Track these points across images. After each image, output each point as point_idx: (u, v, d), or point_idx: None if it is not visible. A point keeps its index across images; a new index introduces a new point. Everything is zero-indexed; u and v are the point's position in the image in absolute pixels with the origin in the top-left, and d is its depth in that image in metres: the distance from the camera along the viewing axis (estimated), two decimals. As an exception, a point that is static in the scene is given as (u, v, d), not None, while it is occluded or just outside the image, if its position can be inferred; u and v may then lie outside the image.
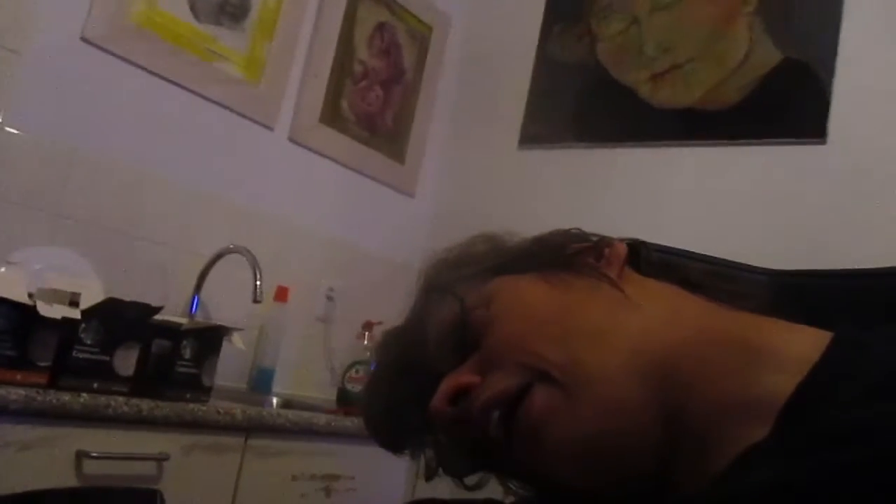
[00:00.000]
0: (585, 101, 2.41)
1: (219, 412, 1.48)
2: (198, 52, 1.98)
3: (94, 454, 1.29)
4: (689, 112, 2.21)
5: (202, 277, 1.96)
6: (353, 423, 1.76)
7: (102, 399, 1.30)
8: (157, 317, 1.45)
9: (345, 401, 2.02)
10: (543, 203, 2.33)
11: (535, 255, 0.60)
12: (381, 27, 2.45)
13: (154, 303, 1.46)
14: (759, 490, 0.41)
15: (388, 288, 2.14)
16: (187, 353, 1.47)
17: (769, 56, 2.11)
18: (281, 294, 2.11)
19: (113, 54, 1.82)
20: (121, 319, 1.36)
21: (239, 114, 2.08)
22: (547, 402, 0.50)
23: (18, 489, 1.02)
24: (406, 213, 2.56)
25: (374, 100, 2.44)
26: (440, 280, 0.61)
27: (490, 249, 0.62)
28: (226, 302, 1.99)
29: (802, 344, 0.48)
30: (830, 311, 0.53)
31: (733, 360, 0.49)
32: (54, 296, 1.29)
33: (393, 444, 0.64)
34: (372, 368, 0.66)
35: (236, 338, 1.58)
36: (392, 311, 0.65)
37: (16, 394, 1.20)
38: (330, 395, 2.17)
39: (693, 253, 0.67)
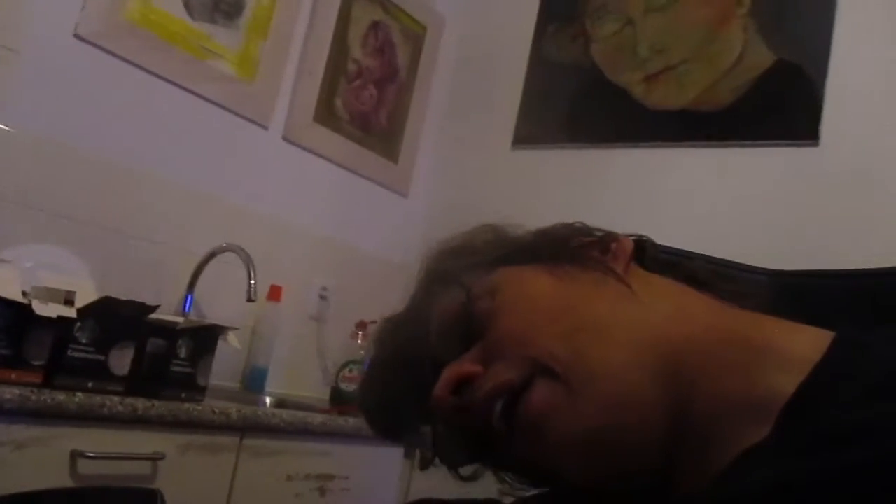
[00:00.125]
0: (579, 101, 2.41)
1: (214, 412, 1.47)
2: (192, 50, 1.97)
3: (89, 454, 1.28)
4: (683, 113, 2.21)
5: (195, 276, 1.95)
6: (347, 422, 1.76)
7: (97, 398, 1.29)
8: (152, 316, 1.44)
9: (338, 400, 2.02)
10: (537, 203, 2.33)
11: (539, 247, 0.60)
12: (375, 26, 2.45)
13: (147, 301, 1.45)
14: (759, 490, 0.41)
15: (381, 287, 2.14)
16: (182, 353, 1.46)
17: (762, 58, 2.12)
18: (274, 293, 2.11)
19: (106, 51, 1.81)
20: (116, 318, 1.36)
21: (233, 112, 2.07)
22: (548, 398, 0.50)
23: (13, 489, 1.01)
24: (399, 212, 2.56)
25: (367, 99, 2.44)
26: (444, 269, 0.61)
27: (493, 240, 0.62)
28: (219, 301, 1.99)
29: (804, 344, 0.48)
30: (830, 311, 0.53)
31: (737, 358, 0.49)
32: (49, 294, 1.28)
33: (389, 433, 0.64)
34: (370, 357, 0.64)
35: (232, 337, 1.57)
36: (385, 310, 0.64)
37: (10, 393, 1.19)
38: (323, 394, 2.17)
39: (692, 253, 0.67)
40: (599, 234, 0.61)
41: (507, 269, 0.58)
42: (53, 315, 1.26)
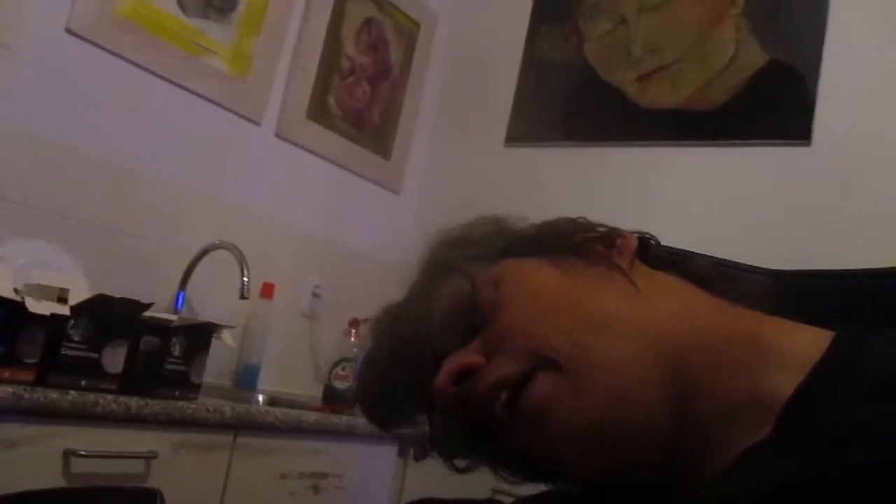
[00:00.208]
0: (572, 100, 2.41)
1: (208, 410, 1.46)
2: (184, 46, 1.96)
3: (83, 453, 1.27)
4: (676, 113, 2.22)
5: (188, 273, 1.93)
6: (341, 420, 1.75)
7: (91, 397, 1.28)
8: (145, 314, 1.43)
9: (331, 398, 2.01)
10: (529, 201, 2.32)
11: (543, 240, 0.60)
12: (368, 23, 2.44)
13: (139, 299, 1.43)
14: (759, 491, 0.41)
15: (374, 285, 2.15)
16: (176, 351, 1.45)
17: (755, 58, 2.13)
18: (267, 290, 2.10)
19: (98, 47, 1.79)
20: (110, 316, 1.34)
21: (225, 108, 2.06)
22: (550, 389, 0.50)
23: (5, 489, 1.00)
24: (392, 209, 2.55)
25: (360, 96, 2.43)
26: (446, 258, 0.60)
27: (495, 232, 0.62)
28: (211, 298, 1.98)
29: (805, 344, 0.48)
30: (830, 312, 0.53)
31: (740, 357, 0.49)
32: (42, 292, 1.27)
33: (385, 422, 0.63)
34: (368, 346, 0.63)
35: (226, 335, 1.57)
36: (378, 307, 0.64)
37: (3, 391, 1.17)
38: (315, 391, 2.16)
39: (694, 252, 0.67)
40: (603, 229, 0.60)
41: (510, 260, 0.58)
42: (47, 313, 1.25)
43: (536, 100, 2.47)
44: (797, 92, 2.05)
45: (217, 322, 1.59)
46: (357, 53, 2.41)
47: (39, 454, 1.24)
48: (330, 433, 1.73)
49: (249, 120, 2.13)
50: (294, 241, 2.25)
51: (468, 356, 0.53)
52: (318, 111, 2.30)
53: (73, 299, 1.30)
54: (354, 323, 2.14)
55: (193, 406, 1.44)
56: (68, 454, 1.26)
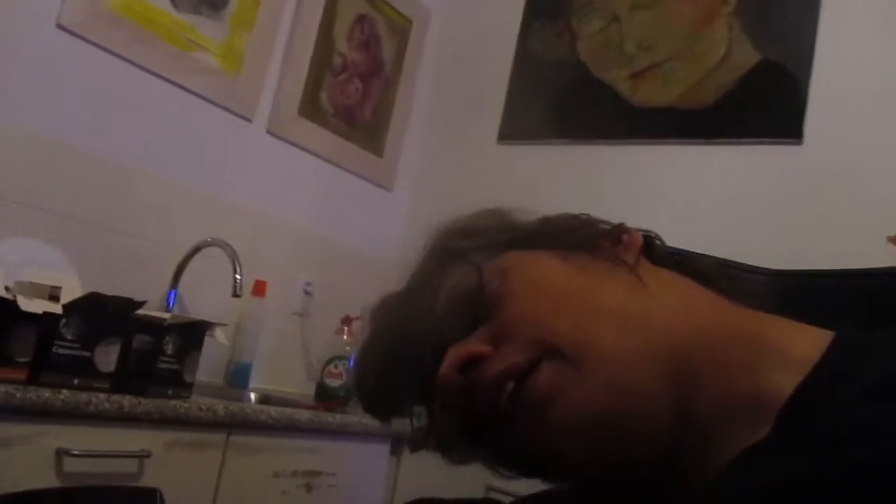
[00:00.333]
0: (565, 97, 2.41)
1: (201, 409, 1.45)
2: (176, 42, 1.94)
3: (75, 452, 1.26)
4: (668, 111, 2.23)
5: (179, 271, 1.92)
6: (334, 419, 1.75)
7: (83, 396, 1.27)
8: (138, 312, 1.42)
9: (324, 396, 2.01)
10: (522, 199, 2.33)
11: (549, 233, 0.60)
12: (361, 20, 2.43)
13: (130, 297, 1.42)
14: (759, 491, 0.41)
15: (366, 282, 2.13)
16: (169, 349, 1.44)
17: (747, 56, 2.14)
18: (258, 288, 2.09)
19: (89, 42, 1.77)
20: (102, 314, 1.33)
21: (217, 105, 2.05)
22: (554, 379, 0.50)
23: (-2, 488, 1.00)
24: (384, 207, 2.55)
25: (353, 93, 2.42)
26: (452, 248, 0.60)
27: (500, 224, 0.62)
28: (203, 296, 1.96)
29: (806, 343, 0.48)
30: (830, 311, 0.54)
31: (742, 356, 0.49)
32: (34, 290, 1.26)
33: (381, 411, 0.63)
34: (367, 332, 0.62)
35: (219, 333, 1.56)
36: (375, 298, 0.63)
37: (-6, 390, 1.17)
38: (307, 389, 2.16)
39: (695, 252, 0.68)
40: (606, 225, 0.61)
41: (516, 252, 0.58)
42: (39, 311, 1.24)
43: (529, 97, 2.47)
44: (789, 91, 2.06)
45: (210, 320, 1.58)
46: (349, 50, 2.40)
47: (32, 454, 1.23)
48: (323, 431, 1.72)
49: (241, 117, 2.11)
50: (286, 239, 2.24)
51: (474, 345, 0.53)
52: (311, 108, 2.29)
53: (65, 297, 1.29)
54: (347, 321, 2.13)
55: (186, 405, 1.44)
56: (61, 453, 1.25)
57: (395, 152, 2.57)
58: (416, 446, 0.59)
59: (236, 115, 2.10)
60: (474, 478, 0.59)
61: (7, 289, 1.25)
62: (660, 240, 0.62)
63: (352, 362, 2.03)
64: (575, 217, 0.62)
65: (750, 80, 2.12)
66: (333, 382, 2.02)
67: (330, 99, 2.35)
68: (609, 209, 0.63)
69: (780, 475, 0.41)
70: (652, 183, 2.21)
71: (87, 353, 1.31)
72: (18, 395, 1.19)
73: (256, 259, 2.05)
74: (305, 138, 2.28)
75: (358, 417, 1.82)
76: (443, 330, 0.55)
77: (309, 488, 1.69)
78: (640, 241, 0.59)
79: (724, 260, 0.69)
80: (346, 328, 2.13)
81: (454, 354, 0.53)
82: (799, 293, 0.67)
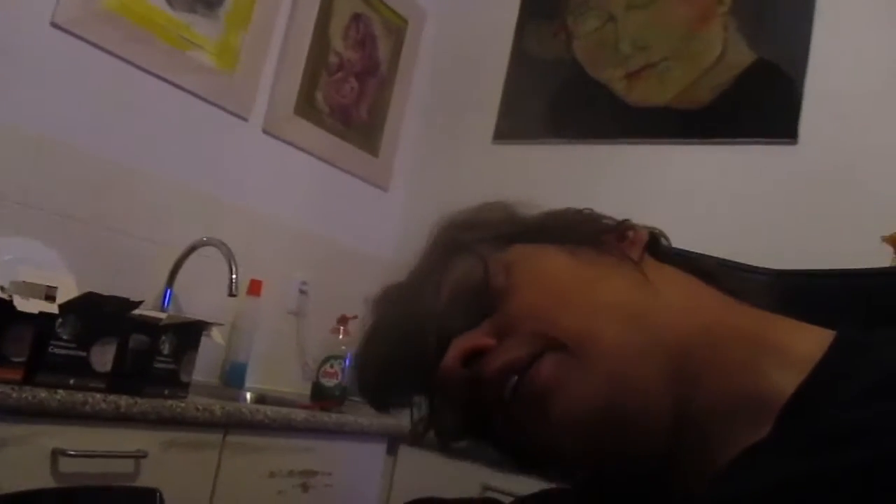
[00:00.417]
0: (560, 97, 2.42)
1: (197, 409, 1.45)
2: (171, 40, 1.94)
3: (71, 452, 1.26)
4: (664, 110, 2.23)
5: (175, 270, 1.92)
6: (330, 418, 1.75)
7: (79, 396, 1.27)
8: (134, 311, 1.41)
9: (319, 395, 2.00)
10: (518, 198, 2.33)
11: (555, 228, 0.60)
12: (356, 19, 2.43)
13: (125, 296, 1.42)
14: (759, 491, 0.41)
15: (361, 282, 2.13)
16: (166, 349, 1.44)
17: (743, 56, 2.14)
18: (254, 287, 2.08)
19: (84, 40, 1.77)
20: (98, 314, 1.33)
21: (213, 104, 2.04)
22: (556, 371, 0.50)
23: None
24: (379, 206, 2.54)
25: (348, 92, 2.42)
26: (457, 240, 0.60)
27: (505, 217, 0.62)
28: (198, 295, 1.96)
29: (808, 343, 0.48)
30: (829, 311, 0.54)
31: (743, 354, 0.49)
32: (29, 289, 1.25)
33: (382, 401, 0.62)
34: (369, 322, 0.62)
35: (215, 332, 1.55)
36: (365, 305, 0.62)
37: (-10, 391, 1.16)
38: (303, 389, 2.15)
39: (697, 253, 0.68)
40: (610, 221, 0.61)
41: (521, 246, 0.58)
42: (34, 311, 1.23)
43: (525, 97, 2.47)
44: (784, 91, 2.06)
45: (205, 319, 1.57)
46: (345, 49, 2.40)
47: (27, 454, 1.22)
48: (319, 431, 1.72)
49: (237, 115, 2.11)
50: (281, 238, 2.24)
51: (479, 337, 0.53)
52: (306, 107, 2.29)
53: (61, 297, 1.28)
54: (343, 320, 2.13)
55: (183, 405, 1.43)
56: (57, 454, 1.25)
57: (390, 152, 2.56)
58: (415, 438, 0.59)
59: (232, 113, 2.10)
60: (471, 477, 0.59)
61: (3, 288, 1.24)
62: (665, 237, 0.62)
63: (349, 359, 2.02)
64: (579, 212, 0.62)
65: (745, 79, 2.13)
66: (329, 382, 2.02)
67: (325, 98, 2.35)
68: (604, 208, 0.63)
69: (780, 475, 0.41)
70: (647, 183, 2.22)
71: (83, 353, 1.30)
72: (14, 395, 1.19)
73: (252, 258, 2.04)
74: (301, 137, 2.28)
75: (354, 417, 1.81)
76: (447, 322, 0.55)
77: (305, 488, 1.69)
78: (645, 237, 0.59)
79: (724, 260, 0.69)
80: (341, 328, 2.13)
81: (458, 346, 0.53)
82: (798, 293, 0.67)
